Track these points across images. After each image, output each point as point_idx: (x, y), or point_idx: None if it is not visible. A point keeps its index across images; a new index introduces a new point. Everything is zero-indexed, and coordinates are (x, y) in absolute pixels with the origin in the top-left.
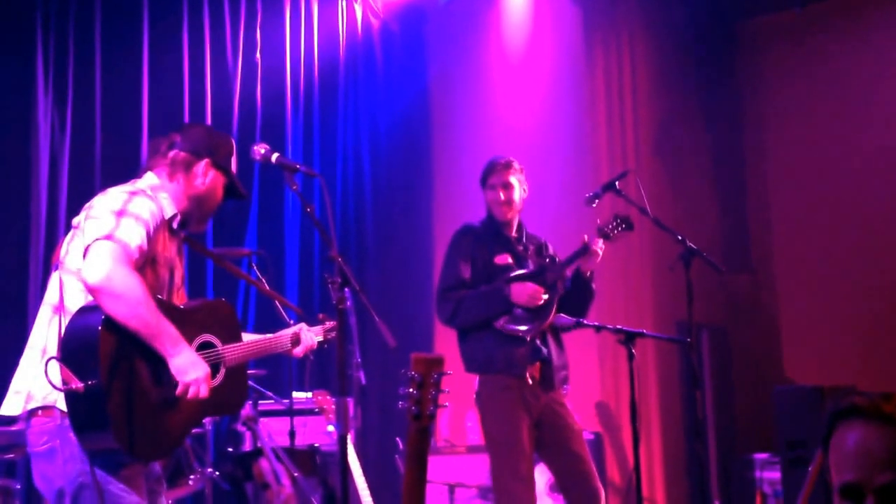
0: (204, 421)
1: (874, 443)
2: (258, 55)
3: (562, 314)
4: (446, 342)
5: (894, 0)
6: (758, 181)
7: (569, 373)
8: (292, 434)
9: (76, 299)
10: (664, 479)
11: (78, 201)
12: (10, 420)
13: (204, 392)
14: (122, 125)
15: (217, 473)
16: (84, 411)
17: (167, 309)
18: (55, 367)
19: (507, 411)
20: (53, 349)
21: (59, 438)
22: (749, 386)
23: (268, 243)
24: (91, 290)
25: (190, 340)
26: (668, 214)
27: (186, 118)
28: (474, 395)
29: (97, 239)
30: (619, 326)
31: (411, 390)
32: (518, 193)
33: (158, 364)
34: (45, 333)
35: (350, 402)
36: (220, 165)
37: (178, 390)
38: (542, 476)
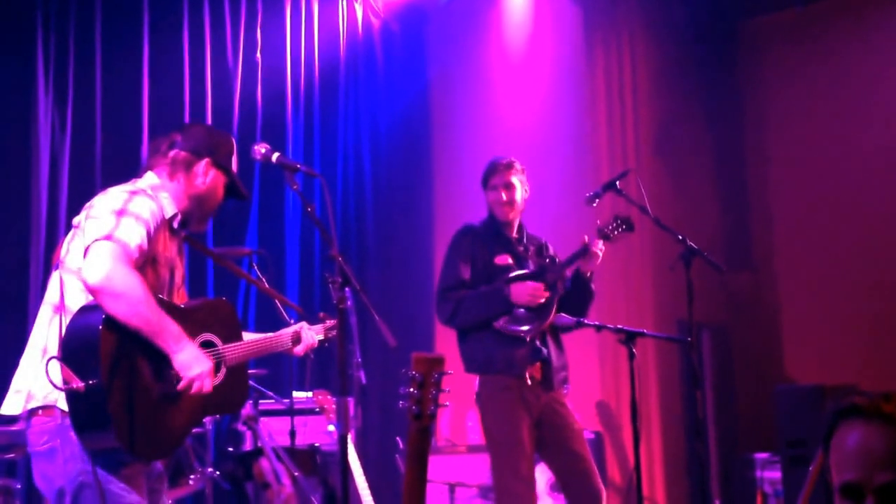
0: (204, 420)
1: (874, 442)
2: (258, 55)
3: (562, 314)
4: (447, 342)
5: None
6: (758, 180)
7: (568, 374)
8: (293, 433)
9: (77, 299)
10: (665, 479)
11: (78, 201)
12: (11, 419)
13: (207, 387)
14: (122, 125)
15: (217, 473)
16: (85, 411)
17: (168, 308)
18: (56, 366)
19: (508, 411)
20: (54, 349)
21: (60, 438)
22: (750, 385)
23: (268, 243)
24: (91, 290)
25: (191, 339)
26: (668, 214)
27: (187, 118)
28: (475, 395)
29: (97, 239)
30: (619, 326)
31: (412, 390)
32: (520, 194)
33: (159, 363)
34: (45, 333)
35: (350, 401)
36: (221, 165)
37: (181, 385)
38: (542, 475)
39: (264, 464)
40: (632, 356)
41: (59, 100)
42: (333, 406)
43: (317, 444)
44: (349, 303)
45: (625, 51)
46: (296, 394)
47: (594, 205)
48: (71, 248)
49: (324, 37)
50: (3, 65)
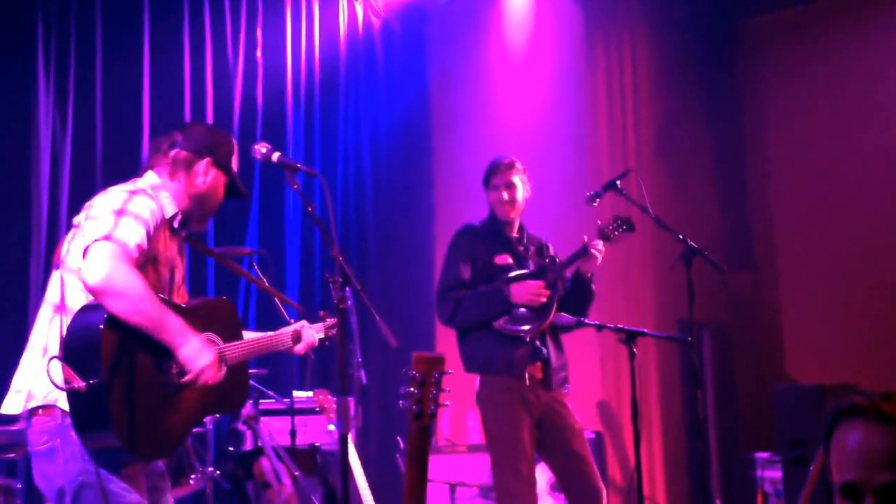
0: (205, 420)
1: (874, 442)
2: (259, 54)
3: (563, 314)
4: (447, 341)
5: None
6: (759, 180)
7: (568, 374)
8: (293, 433)
9: (77, 298)
10: (665, 478)
11: (79, 200)
12: (12, 419)
13: (213, 377)
14: (123, 124)
15: (218, 472)
16: (86, 410)
17: (169, 307)
18: (57, 366)
19: (508, 411)
20: (54, 348)
21: (60, 437)
22: (750, 385)
23: (269, 242)
24: (91, 291)
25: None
26: (669, 213)
27: (187, 117)
28: (475, 395)
29: (96, 240)
30: (620, 325)
31: (412, 389)
32: (521, 193)
33: (160, 362)
34: (45, 332)
35: (351, 401)
36: (222, 164)
37: (188, 378)
38: (543, 475)
39: (265, 463)
40: (632, 356)
41: (60, 99)
42: (334, 406)
43: (317, 444)
44: (350, 302)
45: (625, 50)
46: (296, 393)
47: (594, 204)
48: (71, 248)
49: (324, 36)
50: (4, 64)
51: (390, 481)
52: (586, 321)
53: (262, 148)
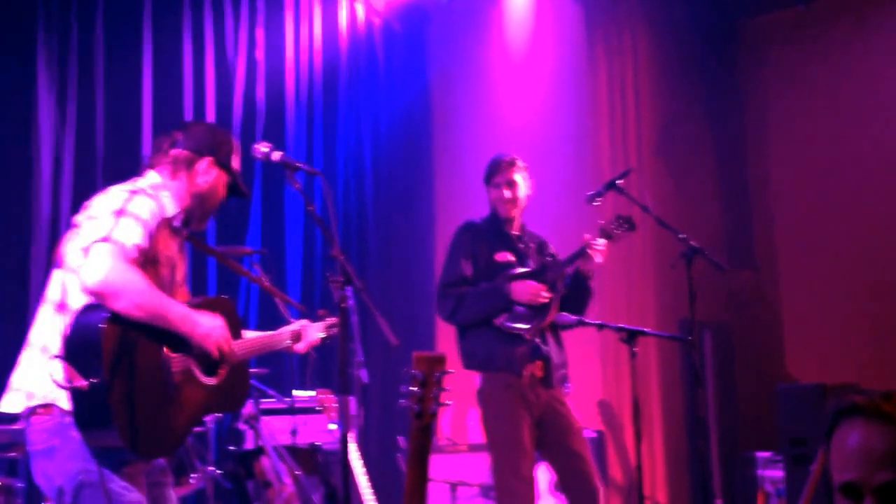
0: (206, 419)
1: (874, 442)
2: (260, 53)
3: (564, 313)
4: (448, 340)
5: None
6: (759, 180)
7: (568, 371)
8: (294, 432)
9: (78, 298)
10: (666, 478)
11: (80, 199)
12: (12, 418)
13: (226, 346)
14: (124, 123)
15: (219, 472)
16: (88, 409)
17: None
18: (58, 365)
19: (509, 410)
20: (55, 347)
21: (60, 436)
22: (751, 384)
23: (269, 242)
24: (91, 293)
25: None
26: (669, 213)
27: (188, 116)
28: (476, 393)
29: (95, 241)
30: (620, 325)
31: (413, 389)
32: (523, 191)
33: (161, 361)
34: (45, 331)
35: (352, 400)
36: (223, 164)
37: (214, 354)
38: (544, 475)
39: (265, 462)
40: (633, 355)
41: (61, 99)
42: (335, 405)
43: (318, 443)
44: (350, 302)
45: (626, 50)
46: (297, 392)
47: (595, 204)
48: (72, 247)
49: (325, 36)
50: (5, 64)
51: (391, 480)
52: (587, 320)
53: (262, 147)
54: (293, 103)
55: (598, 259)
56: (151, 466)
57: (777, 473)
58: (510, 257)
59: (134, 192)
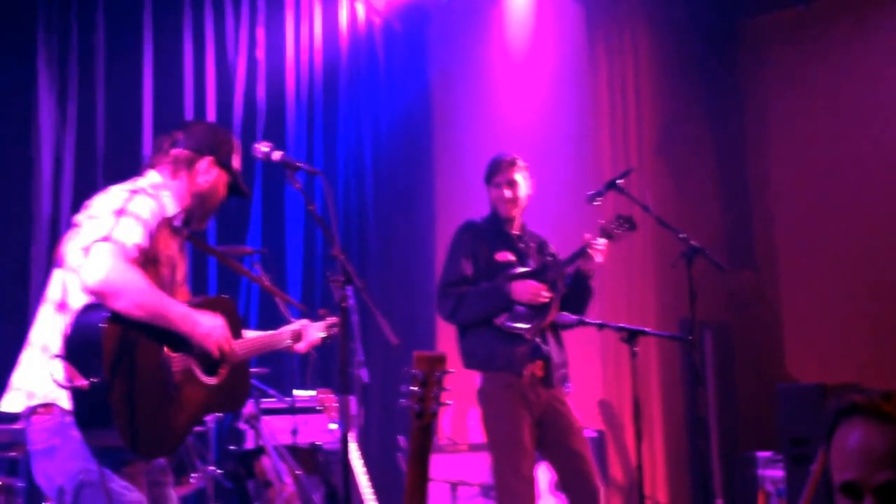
0: (206, 419)
1: (874, 441)
2: (260, 53)
3: (564, 313)
4: (448, 340)
5: None
6: (760, 179)
7: (568, 371)
8: (294, 432)
9: (78, 297)
10: (666, 477)
11: (80, 199)
12: (13, 418)
13: (227, 345)
14: (124, 123)
15: (219, 471)
16: (89, 409)
17: None
18: (58, 365)
19: (509, 409)
20: (55, 347)
21: (60, 436)
22: (751, 384)
23: (270, 241)
24: (91, 293)
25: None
26: (670, 212)
27: (189, 116)
28: (476, 392)
29: (95, 241)
30: (621, 324)
31: (414, 388)
32: (523, 191)
33: (162, 360)
34: (46, 331)
35: (352, 400)
36: (223, 163)
37: (215, 354)
38: (545, 475)
39: (266, 462)
40: (634, 355)
41: (61, 98)
42: (335, 404)
43: (318, 443)
44: (351, 301)
45: (627, 50)
46: (297, 392)
47: (596, 203)
48: (72, 247)
49: (325, 35)
50: (5, 64)
51: (392, 480)
52: (588, 320)
53: (263, 147)
54: (293, 103)
55: (599, 259)
56: (152, 466)
57: (777, 473)
58: (510, 257)
59: (134, 192)
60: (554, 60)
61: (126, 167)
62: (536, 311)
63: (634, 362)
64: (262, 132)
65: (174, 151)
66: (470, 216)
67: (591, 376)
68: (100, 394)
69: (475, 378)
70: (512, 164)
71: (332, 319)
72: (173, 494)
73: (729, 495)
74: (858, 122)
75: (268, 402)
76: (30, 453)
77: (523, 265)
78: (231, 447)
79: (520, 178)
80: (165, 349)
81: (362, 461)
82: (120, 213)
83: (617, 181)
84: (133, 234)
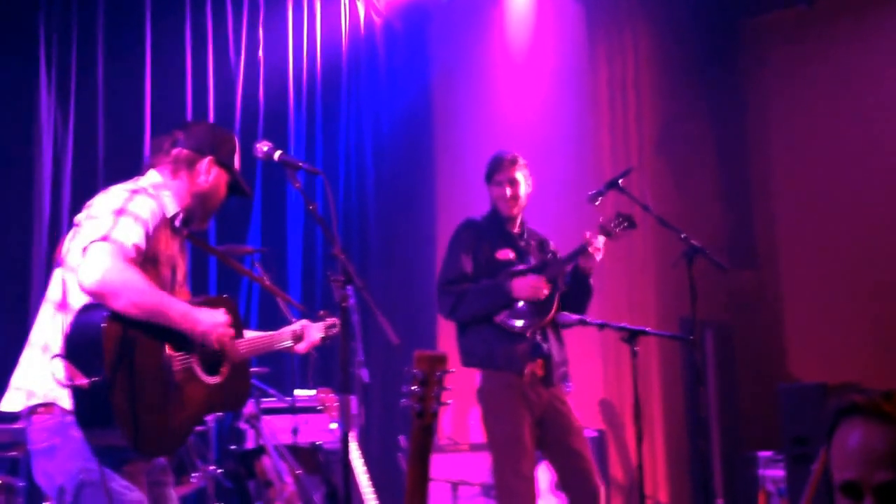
0: (207, 418)
1: (873, 441)
2: (261, 53)
3: (565, 312)
4: (449, 339)
5: None
6: (762, 178)
7: (569, 369)
8: (295, 431)
9: (79, 297)
10: (667, 477)
11: (81, 199)
12: (14, 417)
13: (226, 337)
14: (124, 123)
15: (220, 471)
16: (89, 408)
17: None
18: (59, 364)
19: (509, 409)
20: (56, 346)
21: (60, 435)
22: (752, 383)
23: (270, 241)
24: (90, 293)
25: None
26: (670, 212)
27: (189, 116)
28: (476, 391)
29: (94, 240)
30: (622, 324)
31: (414, 388)
32: (524, 189)
33: (163, 360)
34: (46, 330)
35: (353, 399)
36: (224, 163)
37: (216, 348)
38: (545, 475)
39: (266, 462)
40: (634, 354)
41: (62, 98)
42: (336, 404)
43: (319, 443)
44: (351, 301)
45: (627, 49)
46: (298, 392)
47: (597, 203)
48: (72, 247)
49: (326, 35)
50: (6, 63)
51: (392, 480)
52: (588, 320)
53: (263, 146)
54: (294, 102)
55: (598, 256)
56: (152, 465)
57: (778, 473)
58: (511, 255)
59: (135, 192)
60: (554, 59)
61: (126, 167)
62: (537, 310)
63: (635, 362)
64: (262, 132)
65: (175, 151)
66: (471, 214)
67: (592, 376)
68: (101, 393)
69: (476, 377)
70: (513, 162)
71: (332, 320)
72: (173, 494)
73: (730, 495)
74: (859, 121)
75: (268, 402)
76: (30, 453)
77: (524, 263)
78: (232, 447)
79: (520, 176)
80: (167, 348)
81: (363, 461)
82: (119, 212)
83: (618, 181)
84: (132, 234)
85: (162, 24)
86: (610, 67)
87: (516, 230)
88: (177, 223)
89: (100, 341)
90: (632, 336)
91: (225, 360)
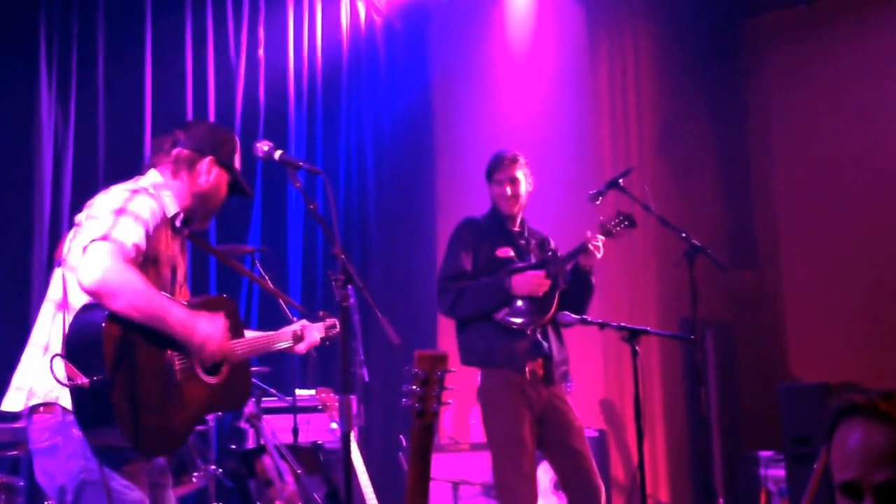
0: (207, 418)
1: (873, 441)
2: (261, 52)
3: (566, 311)
4: (450, 339)
5: None
6: (762, 178)
7: (569, 368)
8: (295, 431)
9: (79, 296)
10: (668, 477)
11: (81, 198)
12: (14, 417)
13: (226, 347)
14: (125, 122)
15: (220, 470)
16: (90, 407)
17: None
18: (59, 363)
19: (509, 407)
20: (56, 346)
21: (61, 435)
22: (753, 383)
23: (271, 240)
24: (88, 292)
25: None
26: (672, 211)
27: (190, 115)
28: (476, 390)
29: (94, 240)
30: (622, 324)
31: (415, 387)
32: (524, 188)
33: (163, 359)
34: (47, 330)
35: (353, 399)
36: (224, 163)
37: (209, 362)
38: (546, 474)
39: (267, 461)
40: (635, 354)
41: (62, 97)
42: (336, 403)
43: (320, 442)
44: (352, 300)
45: (628, 48)
46: (298, 391)
47: (597, 202)
48: (73, 246)
49: (326, 34)
50: (6, 63)
51: (393, 479)
52: (589, 319)
53: (264, 146)
54: (294, 102)
55: (598, 255)
56: (152, 466)
57: (779, 472)
58: (511, 253)
59: (135, 192)
60: (555, 59)
61: (127, 167)
62: (537, 308)
63: (636, 361)
64: (263, 131)
65: (175, 151)
66: (472, 214)
67: (593, 375)
68: (101, 392)
69: (476, 376)
70: (513, 161)
71: (332, 320)
72: (172, 496)
73: (731, 494)
74: (860, 121)
75: (269, 401)
76: (31, 452)
77: (523, 261)
78: (232, 446)
79: (521, 175)
80: (167, 348)
81: (363, 460)
82: (119, 212)
83: (618, 180)
84: (132, 234)
85: (162, 24)
86: (610, 67)
87: (516, 229)
88: (177, 223)
89: (100, 341)
90: (632, 335)
91: (225, 360)
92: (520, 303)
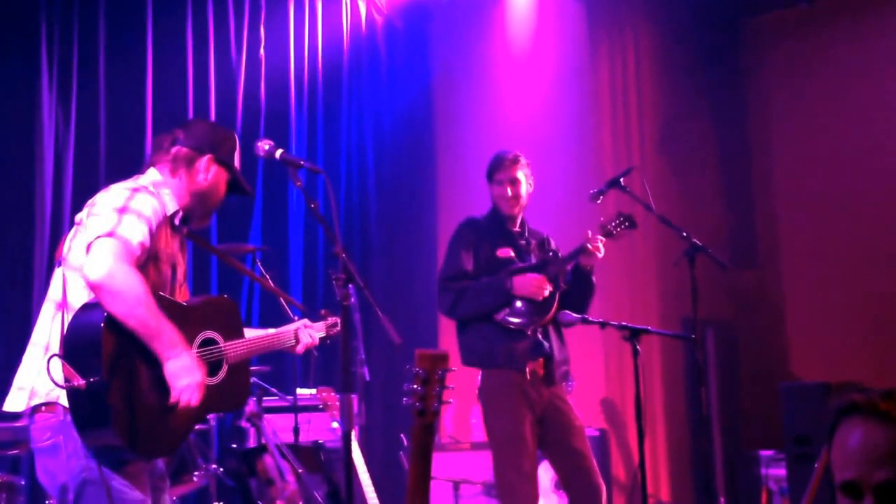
0: (208, 417)
1: (873, 440)
2: (262, 51)
3: (566, 311)
4: (451, 338)
5: None
6: (762, 178)
7: (570, 368)
8: (296, 430)
9: (79, 296)
10: (669, 476)
11: (82, 197)
12: (15, 416)
13: (195, 400)
14: (125, 121)
15: (221, 470)
16: (86, 408)
17: (169, 306)
18: (57, 363)
19: (510, 407)
20: (56, 346)
21: (63, 434)
22: (754, 382)
23: (271, 239)
24: (92, 286)
25: (192, 337)
26: (672, 211)
27: (190, 114)
28: (476, 390)
29: (100, 236)
30: (623, 323)
31: (416, 387)
32: (525, 188)
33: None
34: (48, 330)
35: (354, 398)
36: (223, 161)
37: (172, 398)
38: (547, 473)
39: (268, 460)
40: (636, 353)
41: (63, 96)
42: (337, 403)
43: (321, 441)
44: (353, 300)
45: (628, 47)
46: (299, 391)
47: (598, 202)
48: (73, 245)
49: (327, 34)
50: (7, 62)
51: (394, 478)
52: (590, 318)
53: (265, 145)
54: (295, 101)
55: (599, 255)
56: (152, 467)
57: (780, 472)
58: (511, 253)
59: (136, 190)
60: (555, 58)
61: (128, 165)
62: (537, 308)
63: (637, 361)
64: (263, 130)
65: (174, 150)
66: (473, 213)
67: (594, 375)
68: (98, 393)
69: (477, 376)
70: (514, 161)
71: (333, 319)
72: (168, 501)
73: (732, 494)
74: (860, 120)
75: (270, 401)
76: (32, 451)
77: (524, 262)
78: (233, 445)
79: (522, 175)
80: None
81: (364, 459)
82: (122, 210)
83: (619, 180)
84: (137, 232)
85: (163, 23)
86: (611, 67)
87: (517, 229)
88: (176, 221)
89: (99, 342)
90: (633, 335)
91: (224, 360)
92: (520, 303)
